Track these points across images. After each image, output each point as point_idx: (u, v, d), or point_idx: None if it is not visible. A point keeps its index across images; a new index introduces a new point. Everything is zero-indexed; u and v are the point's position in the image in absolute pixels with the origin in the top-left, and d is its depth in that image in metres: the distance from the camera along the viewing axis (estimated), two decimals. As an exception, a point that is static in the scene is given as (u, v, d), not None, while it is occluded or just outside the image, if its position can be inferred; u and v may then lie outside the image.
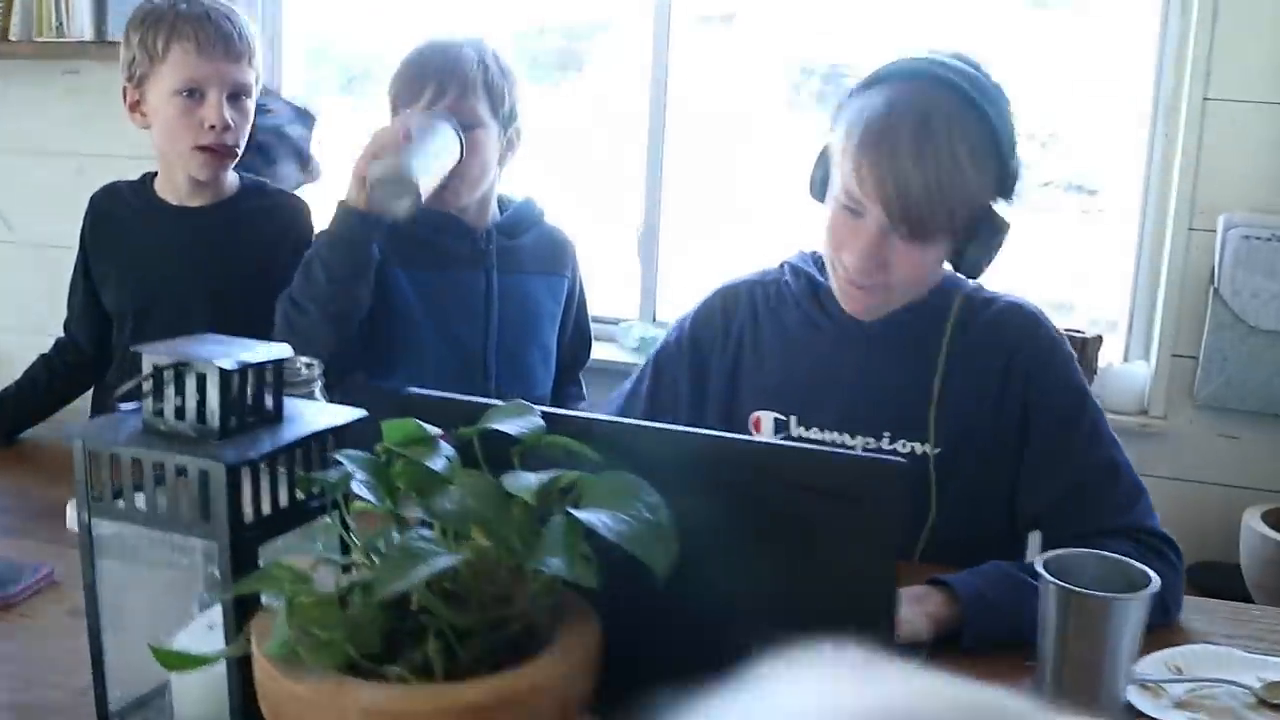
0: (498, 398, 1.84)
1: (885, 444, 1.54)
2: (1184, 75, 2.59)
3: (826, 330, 1.58)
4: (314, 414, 1.10)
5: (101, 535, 1.03)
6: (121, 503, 1.01)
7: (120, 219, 1.95)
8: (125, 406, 1.04)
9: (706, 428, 1.58)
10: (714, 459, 1.05)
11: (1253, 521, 2.43)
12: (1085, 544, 1.38)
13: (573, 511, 0.92)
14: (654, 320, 3.14)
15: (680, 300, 3.15)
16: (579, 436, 1.01)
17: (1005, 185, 1.47)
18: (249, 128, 1.90)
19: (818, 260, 1.62)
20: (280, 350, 1.08)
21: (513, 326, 1.91)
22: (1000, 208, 1.48)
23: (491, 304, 1.89)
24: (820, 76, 3.12)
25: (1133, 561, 1.19)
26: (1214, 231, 2.57)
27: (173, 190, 1.94)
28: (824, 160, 1.51)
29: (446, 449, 1.01)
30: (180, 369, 1.00)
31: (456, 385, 1.84)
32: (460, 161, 1.77)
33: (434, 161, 1.69)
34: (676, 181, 3.09)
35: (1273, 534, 2.36)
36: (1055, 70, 2.80)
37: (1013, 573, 1.34)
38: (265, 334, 1.82)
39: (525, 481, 0.95)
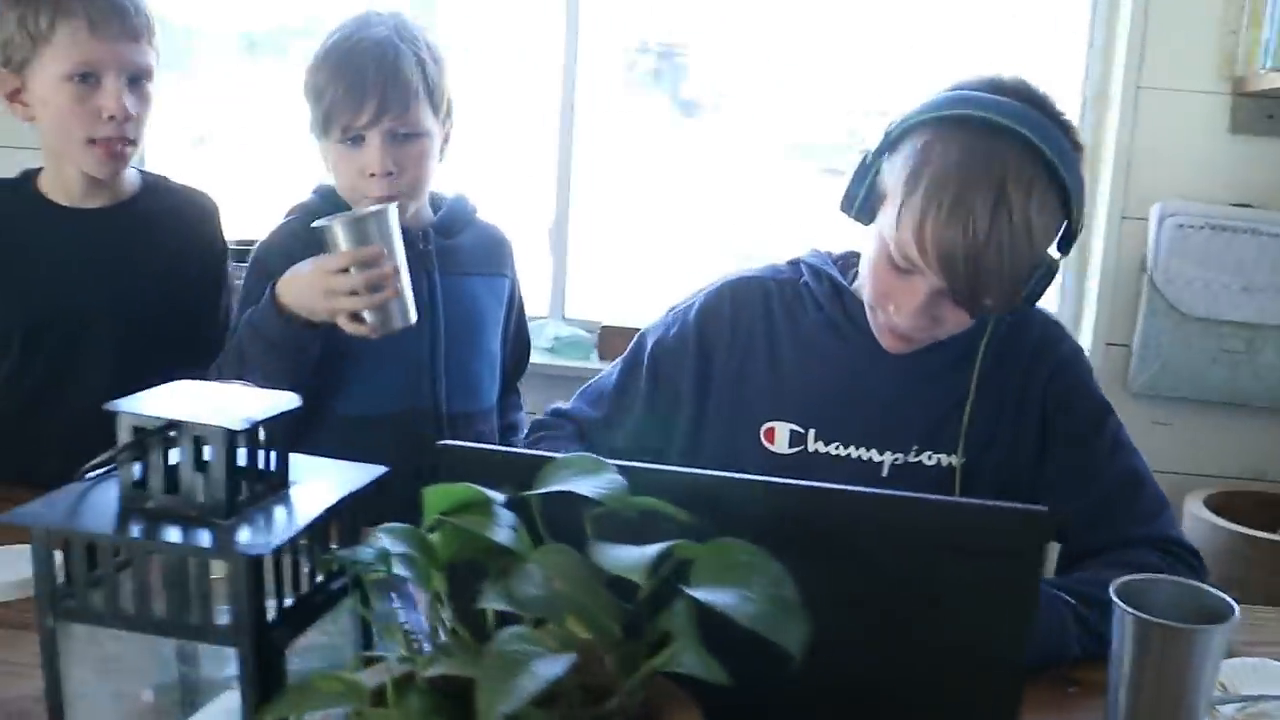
0: (447, 413, 1.72)
1: (912, 457, 1.44)
2: (1116, 64, 2.55)
3: (853, 341, 1.46)
4: (324, 475, 0.91)
5: (72, 640, 0.82)
6: (98, 601, 0.80)
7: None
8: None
9: (710, 437, 1.50)
10: (821, 513, 0.91)
11: (1195, 508, 2.42)
12: (1109, 555, 1.37)
13: (692, 592, 0.76)
14: (563, 318, 2.98)
15: (591, 298, 3.09)
16: (661, 492, 0.85)
17: (1067, 242, 1.37)
18: (149, 117, 1.66)
19: (839, 261, 1.52)
20: (287, 401, 0.88)
21: (458, 332, 1.74)
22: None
23: (436, 308, 1.71)
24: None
25: (1207, 588, 1.11)
26: (1147, 220, 2.54)
27: (63, 190, 1.68)
28: (867, 178, 1.36)
29: (507, 516, 0.83)
30: (172, 432, 0.80)
31: (404, 400, 1.69)
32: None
33: (405, 276, 1.54)
34: (586, 174, 2.93)
35: (1219, 520, 2.35)
36: (983, 59, 2.74)
37: (1047, 590, 1.27)
38: (178, 352, 1.64)
39: (627, 557, 0.78)
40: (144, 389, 0.86)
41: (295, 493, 0.87)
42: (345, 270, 1.47)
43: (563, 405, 1.60)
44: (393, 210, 1.50)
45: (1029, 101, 1.30)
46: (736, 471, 1.37)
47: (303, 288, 1.51)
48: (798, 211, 3.19)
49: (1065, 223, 1.34)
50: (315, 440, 1.29)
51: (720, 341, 1.50)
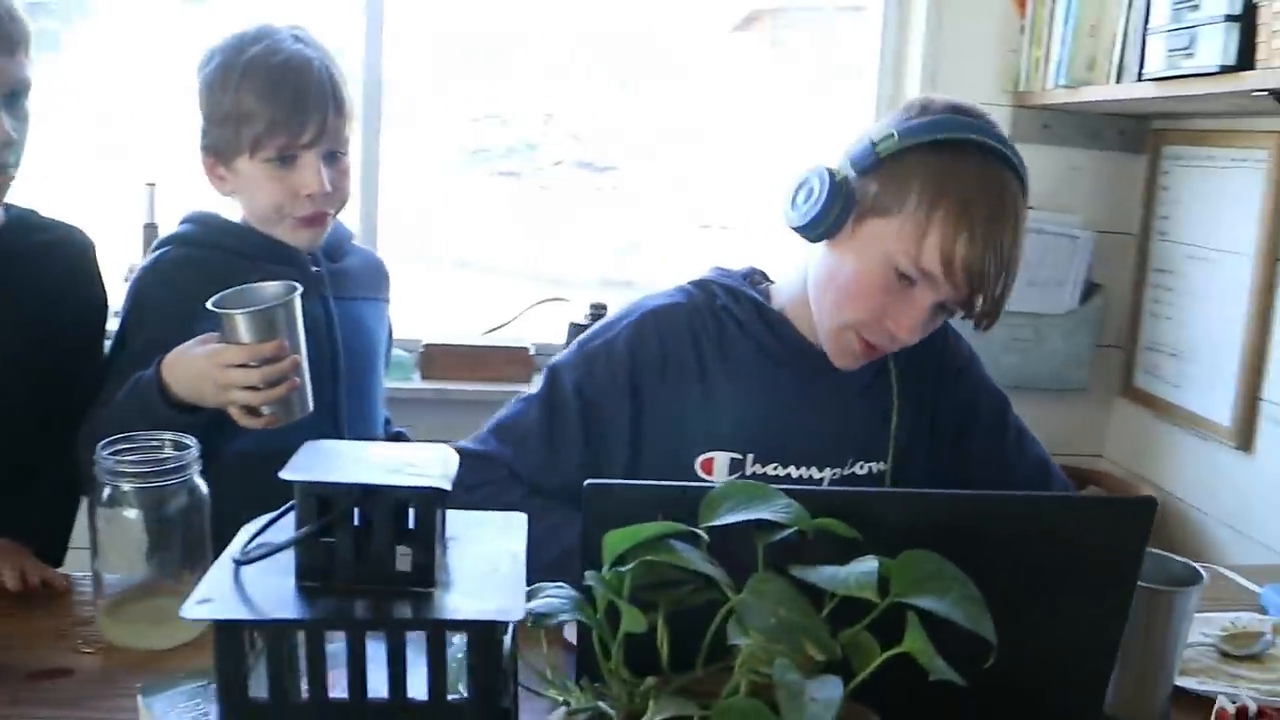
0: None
1: (847, 469, 1.48)
2: (910, 76, 2.74)
3: (783, 361, 1.46)
4: (473, 527, 0.87)
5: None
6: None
7: None
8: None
9: (647, 472, 1.44)
10: (951, 516, 0.95)
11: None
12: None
13: (916, 603, 0.80)
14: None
15: (407, 316, 2.97)
16: (824, 513, 0.87)
17: None
18: (29, 138, 1.49)
19: (747, 278, 1.52)
20: (449, 453, 0.83)
21: (355, 360, 1.67)
22: None
23: (335, 335, 1.63)
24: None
25: (1172, 556, 1.21)
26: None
27: None
28: (848, 199, 1.36)
29: (694, 551, 0.84)
30: (365, 496, 0.75)
31: (306, 434, 1.52)
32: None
33: (306, 365, 1.44)
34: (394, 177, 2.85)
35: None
36: (775, 77, 2.87)
37: None
38: (56, 407, 1.50)
39: (850, 578, 0.80)
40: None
41: (457, 550, 0.82)
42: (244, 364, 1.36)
43: (474, 445, 1.47)
44: (298, 297, 1.41)
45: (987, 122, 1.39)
46: None
47: (193, 376, 1.39)
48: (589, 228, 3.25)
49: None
50: (208, 480, 1.23)
51: (652, 373, 1.44)
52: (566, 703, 0.83)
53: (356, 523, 0.74)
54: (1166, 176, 2.71)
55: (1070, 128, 2.78)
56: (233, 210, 1.63)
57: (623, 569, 0.82)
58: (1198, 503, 2.58)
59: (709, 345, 1.46)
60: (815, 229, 1.36)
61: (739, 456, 1.44)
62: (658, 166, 3.37)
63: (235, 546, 0.81)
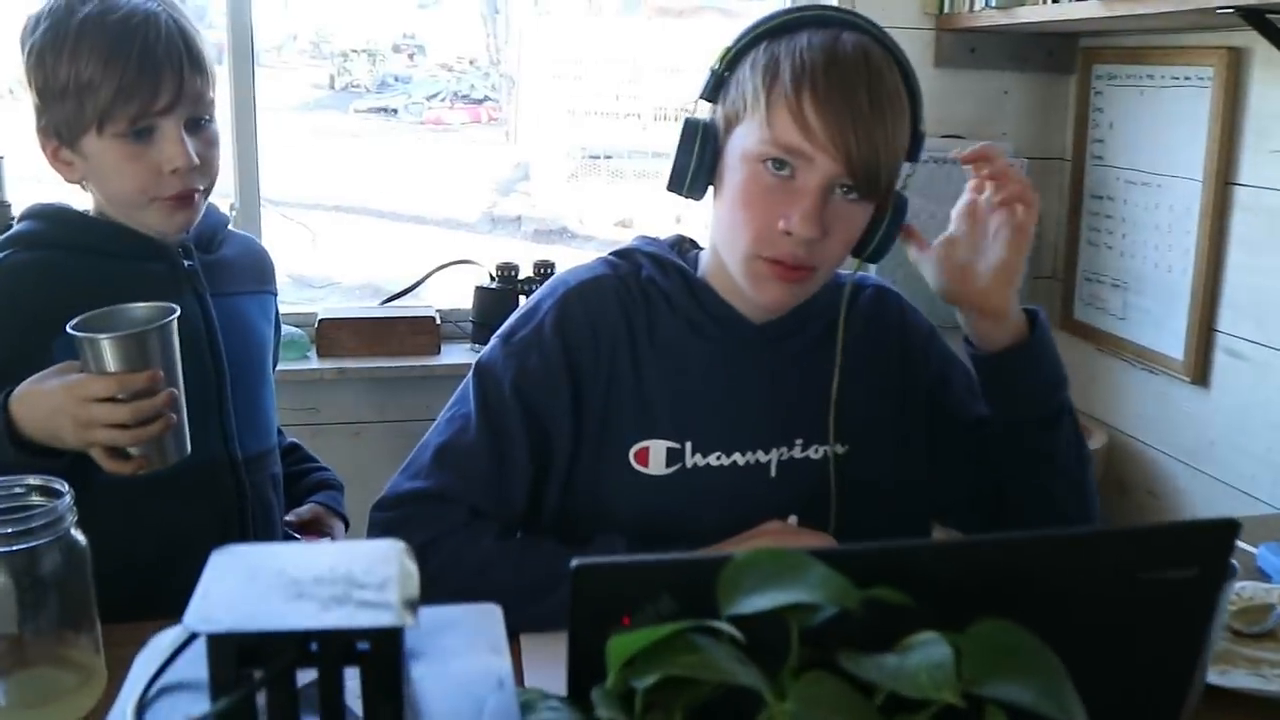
0: (243, 461, 1.44)
1: (798, 453, 1.34)
2: (829, 1, 2.56)
3: (713, 337, 1.32)
4: (440, 632, 0.69)
5: None
6: None
7: None
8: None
9: (581, 469, 1.31)
10: (1005, 562, 0.79)
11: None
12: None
13: (993, 694, 0.65)
14: (267, 318, 2.65)
15: (294, 287, 2.76)
16: (864, 573, 0.71)
17: (916, 148, 1.32)
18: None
19: (675, 247, 1.38)
20: (399, 551, 0.65)
21: (240, 363, 1.46)
22: None
23: (214, 336, 1.42)
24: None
25: None
26: (872, 157, 2.59)
27: None
28: (707, 136, 1.26)
29: (721, 649, 0.67)
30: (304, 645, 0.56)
31: (193, 456, 1.33)
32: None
33: (183, 400, 1.23)
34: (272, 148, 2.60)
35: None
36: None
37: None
38: None
39: (917, 670, 0.65)
40: None
41: (425, 676, 0.64)
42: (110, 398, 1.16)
43: (421, 484, 1.29)
44: (175, 320, 1.20)
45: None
46: (610, 503, 1.27)
47: (48, 413, 1.18)
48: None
49: (915, 124, 1.29)
50: (81, 513, 1.04)
51: (585, 357, 1.30)
52: None
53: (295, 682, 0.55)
54: (1099, 98, 2.58)
55: (996, 51, 2.64)
56: (83, 200, 1.40)
57: (636, 682, 0.65)
58: (1149, 439, 2.49)
59: (639, 321, 1.32)
60: (683, 182, 1.28)
61: (677, 445, 1.30)
62: (537, 97, 3.23)
63: (131, 692, 0.62)
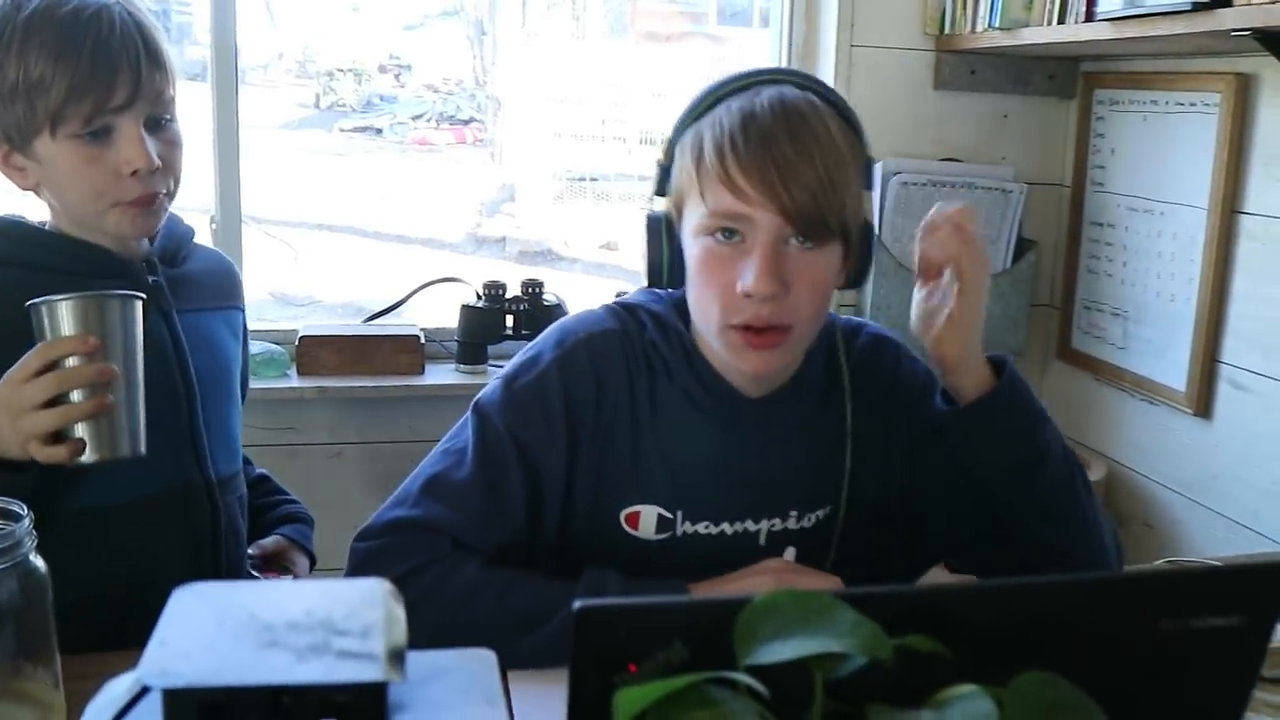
0: (217, 484, 1.37)
1: (792, 524, 1.30)
2: (825, 25, 2.52)
3: (709, 410, 1.28)
4: (430, 681, 0.62)
5: None
6: None
7: None
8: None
9: (577, 523, 1.27)
10: (1045, 607, 0.73)
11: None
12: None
13: None
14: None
15: (274, 305, 2.69)
16: (894, 619, 0.65)
17: (868, 174, 1.28)
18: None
19: (678, 304, 1.33)
20: (383, 592, 0.58)
21: (208, 382, 1.39)
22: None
23: (182, 354, 1.35)
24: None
25: None
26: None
27: None
28: (668, 228, 1.26)
29: (737, 702, 0.61)
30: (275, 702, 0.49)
31: (164, 477, 1.32)
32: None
33: (141, 387, 1.16)
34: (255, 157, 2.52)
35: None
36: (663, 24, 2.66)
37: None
38: None
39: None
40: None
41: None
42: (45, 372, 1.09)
43: (407, 512, 1.25)
44: (139, 306, 1.13)
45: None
46: (600, 559, 1.22)
47: None
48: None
49: (864, 152, 1.25)
50: (45, 542, 0.97)
51: (587, 412, 1.27)
52: None
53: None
54: (1101, 123, 2.54)
55: (997, 73, 2.60)
56: (39, 210, 1.34)
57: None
58: (1146, 469, 2.44)
59: (640, 383, 1.29)
60: (660, 278, 1.27)
61: (668, 514, 1.27)
62: (524, 119, 3.20)
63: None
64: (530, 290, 2.50)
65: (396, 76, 3.34)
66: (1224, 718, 0.80)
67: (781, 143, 1.17)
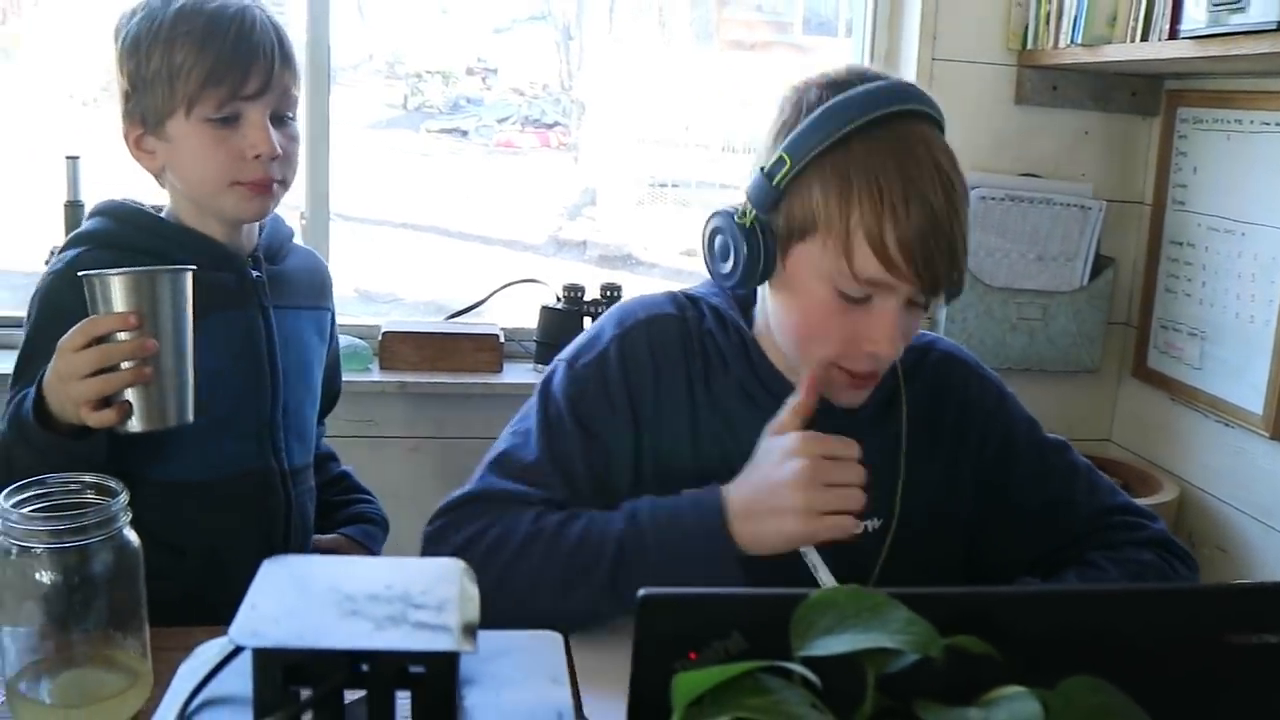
0: (290, 474, 1.44)
1: None
2: (907, 37, 2.53)
3: (765, 406, 1.26)
4: (494, 658, 0.65)
5: None
6: None
7: None
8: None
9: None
10: (1106, 617, 0.75)
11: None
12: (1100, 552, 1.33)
13: None
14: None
15: (358, 301, 2.76)
16: (953, 624, 0.67)
17: None
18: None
19: (740, 298, 1.34)
20: (459, 570, 0.62)
21: (292, 377, 1.46)
22: None
23: (274, 352, 1.42)
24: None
25: None
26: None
27: None
28: (759, 241, 1.22)
29: (790, 691, 0.63)
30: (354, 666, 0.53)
31: (243, 461, 1.40)
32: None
33: (189, 358, 1.20)
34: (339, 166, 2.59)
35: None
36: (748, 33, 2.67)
37: None
38: None
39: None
40: None
41: (479, 706, 0.61)
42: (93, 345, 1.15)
43: (470, 488, 1.26)
44: (190, 278, 1.19)
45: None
46: None
47: (49, 380, 1.18)
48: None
49: None
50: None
51: (646, 390, 1.28)
52: None
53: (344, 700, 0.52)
54: (1184, 141, 2.52)
55: (1080, 89, 2.58)
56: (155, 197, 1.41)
57: (702, 723, 0.61)
58: (1220, 492, 2.41)
59: (696, 371, 1.29)
60: (747, 283, 1.25)
61: None
62: (607, 124, 3.23)
63: (173, 704, 0.59)
64: (608, 294, 2.53)
65: (483, 79, 3.39)
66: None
67: (940, 221, 1.15)
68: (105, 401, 1.15)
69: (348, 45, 2.57)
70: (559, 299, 2.53)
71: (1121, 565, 1.29)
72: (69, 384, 1.15)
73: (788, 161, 1.19)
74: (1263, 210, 2.26)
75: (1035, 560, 1.37)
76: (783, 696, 0.62)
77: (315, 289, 1.55)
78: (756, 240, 1.22)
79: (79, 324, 1.15)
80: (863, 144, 1.16)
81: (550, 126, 3.46)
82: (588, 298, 2.53)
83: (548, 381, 1.31)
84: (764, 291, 1.30)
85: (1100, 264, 2.63)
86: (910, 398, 1.33)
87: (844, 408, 1.26)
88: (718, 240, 1.26)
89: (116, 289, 1.15)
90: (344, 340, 2.43)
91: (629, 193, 3.51)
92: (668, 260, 3.46)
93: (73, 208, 2.28)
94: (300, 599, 0.56)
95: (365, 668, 0.54)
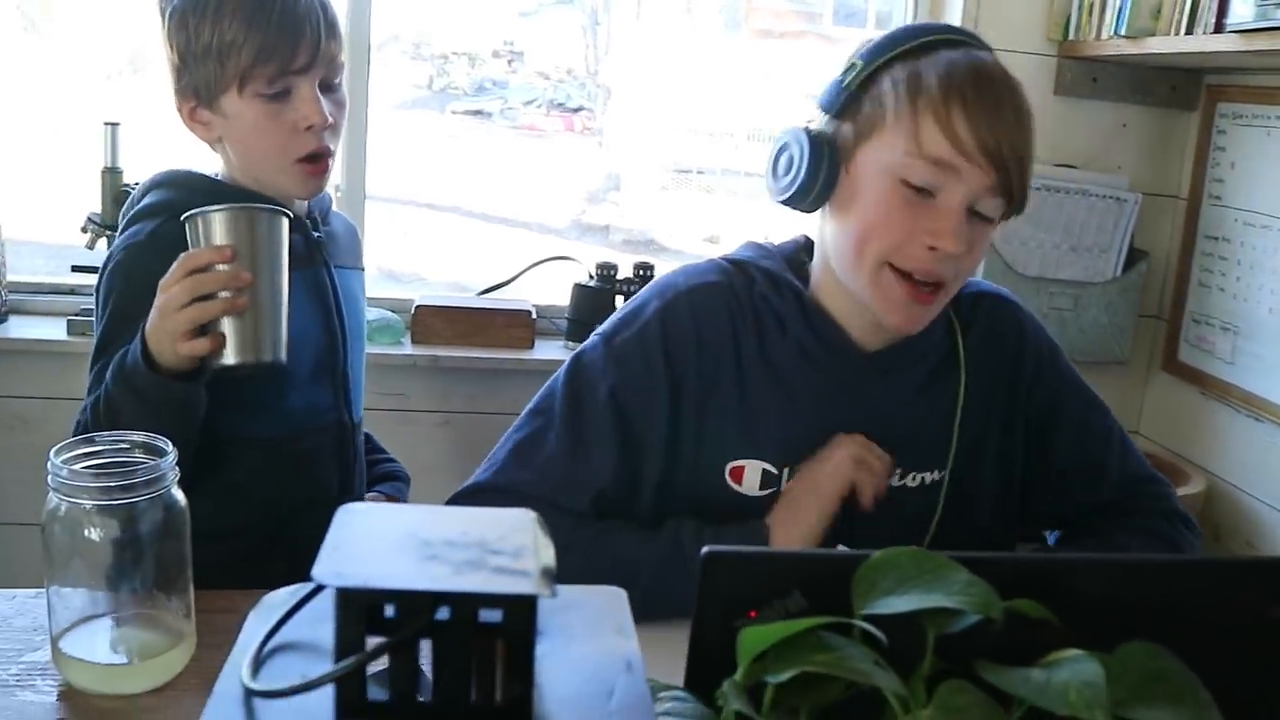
0: (355, 428, 1.48)
1: (894, 482, 1.29)
2: (950, 20, 2.52)
3: (824, 366, 1.28)
4: (562, 611, 0.66)
5: None
6: None
7: None
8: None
9: (680, 478, 1.26)
10: (1162, 586, 0.76)
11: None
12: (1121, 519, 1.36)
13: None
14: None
15: (390, 275, 2.77)
16: (1011, 588, 0.68)
17: None
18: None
19: (791, 259, 1.34)
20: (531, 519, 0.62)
21: (349, 333, 1.49)
22: None
23: (340, 309, 1.45)
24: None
25: None
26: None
27: None
28: (825, 150, 1.23)
29: (853, 649, 0.64)
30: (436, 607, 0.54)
31: (321, 415, 1.44)
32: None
33: (284, 298, 1.23)
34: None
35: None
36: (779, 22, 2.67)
37: None
38: None
39: (1073, 686, 0.61)
40: None
41: (549, 654, 0.62)
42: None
43: (489, 477, 1.26)
44: (286, 223, 1.21)
45: None
46: (702, 515, 1.22)
47: (150, 320, 1.20)
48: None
49: None
50: (218, 472, 1.02)
51: (689, 366, 1.27)
52: None
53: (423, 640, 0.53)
54: (1222, 136, 2.51)
55: (1120, 81, 2.57)
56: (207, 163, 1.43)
57: (769, 677, 0.62)
58: (1249, 487, 2.40)
59: (747, 337, 1.28)
60: (807, 196, 1.24)
61: (773, 470, 1.26)
62: (632, 109, 3.23)
63: (246, 648, 0.60)
64: (641, 272, 2.54)
65: (509, 62, 3.39)
66: None
67: (1006, 105, 1.17)
68: (201, 332, 1.18)
69: (375, 26, 2.57)
70: (591, 276, 2.54)
71: (1139, 535, 1.32)
72: (167, 318, 1.16)
73: (859, 65, 1.22)
74: (1298, 206, 2.25)
75: (1060, 518, 1.40)
76: (846, 653, 0.63)
77: (354, 250, 1.58)
78: (823, 150, 1.23)
79: (177, 259, 1.18)
80: (937, 55, 1.20)
81: (575, 111, 3.46)
82: (620, 276, 2.53)
83: (579, 357, 1.30)
84: (824, 234, 1.29)
85: (1134, 256, 2.62)
86: (968, 347, 1.33)
87: (902, 332, 1.25)
88: (783, 157, 1.26)
89: (216, 225, 1.17)
90: (375, 313, 2.45)
91: (653, 178, 3.51)
92: (691, 247, 3.47)
93: (111, 174, 2.29)
94: (380, 544, 0.57)
95: (443, 614, 0.54)
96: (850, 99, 1.23)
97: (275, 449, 1.39)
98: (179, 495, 1.00)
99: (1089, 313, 2.60)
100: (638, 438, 1.26)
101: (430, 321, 2.50)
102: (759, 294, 1.29)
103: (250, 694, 0.54)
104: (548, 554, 0.57)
